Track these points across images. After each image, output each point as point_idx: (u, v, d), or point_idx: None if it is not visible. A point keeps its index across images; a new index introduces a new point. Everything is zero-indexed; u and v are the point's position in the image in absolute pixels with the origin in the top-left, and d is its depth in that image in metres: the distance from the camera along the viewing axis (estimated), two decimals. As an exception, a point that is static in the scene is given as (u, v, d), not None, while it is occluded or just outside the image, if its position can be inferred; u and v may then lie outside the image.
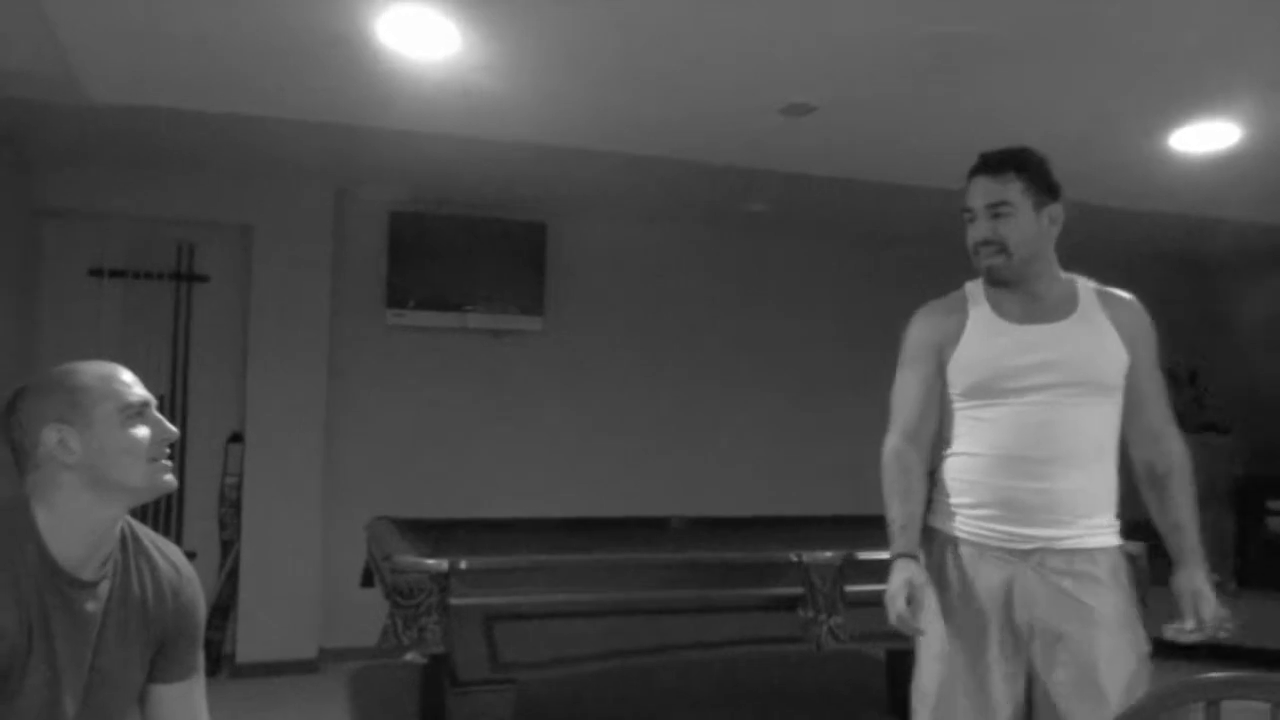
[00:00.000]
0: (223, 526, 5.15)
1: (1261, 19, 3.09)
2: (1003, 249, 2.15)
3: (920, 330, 2.31)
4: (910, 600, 2.06)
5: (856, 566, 3.17)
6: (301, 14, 3.11)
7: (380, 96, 3.77)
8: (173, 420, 1.62)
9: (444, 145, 4.45)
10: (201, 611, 1.80)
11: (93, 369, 1.65)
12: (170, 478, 1.68)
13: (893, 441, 2.27)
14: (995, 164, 2.18)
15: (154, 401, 1.70)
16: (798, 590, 3.11)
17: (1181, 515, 2.16)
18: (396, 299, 5.37)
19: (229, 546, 5.13)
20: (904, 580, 2.07)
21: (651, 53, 3.44)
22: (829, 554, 3.15)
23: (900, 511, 2.19)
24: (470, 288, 5.47)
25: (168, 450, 1.68)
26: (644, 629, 3.03)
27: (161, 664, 1.74)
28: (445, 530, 3.70)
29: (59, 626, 1.55)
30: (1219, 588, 2.14)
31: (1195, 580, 2.11)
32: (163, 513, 5.08)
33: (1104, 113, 3.81)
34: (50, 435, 1.58)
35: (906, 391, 2.29)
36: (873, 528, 4.50)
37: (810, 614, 3.10)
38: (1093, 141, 4.14)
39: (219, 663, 4.95)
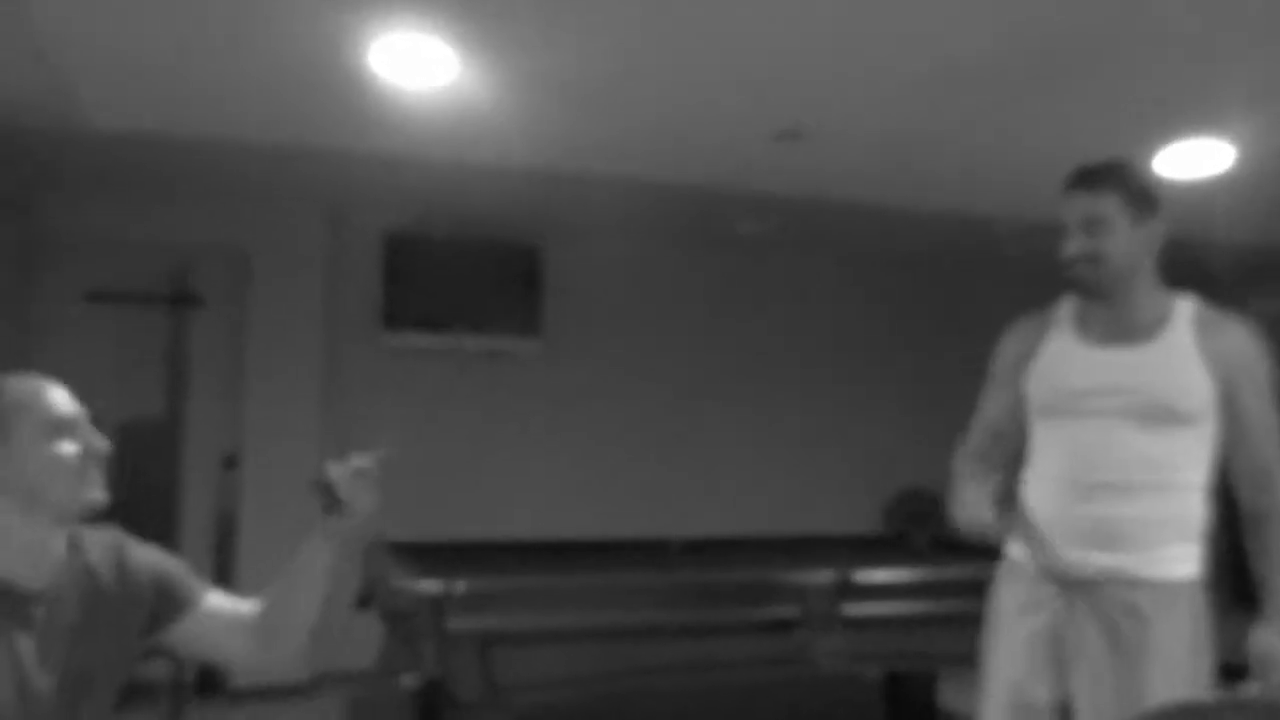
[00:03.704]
0: (218, 551, 5.13)
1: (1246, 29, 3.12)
2: (1096, 262, 2.04)
3: (1004, 348, 2.27)
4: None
5: (853, 588, 3.17)
6: (300, 41, 3.14)
7: (376, 122, 3.79)
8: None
9: (439, 169, 4.47)
10: (150, 555, 1.80)
11: (17, 385, 1.61)
12: (100, 493, 1.64)
13: (958, 462, 2.21)
14: (1090, 178, 2.07)
15: (84, 416, 1.65)
16: (794, 612, 3.10)
17: (1271, 568, 1.99)
18: (392, 321, 5.38)
19: (224, 571, 5.11)
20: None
21: (645, 79, 3.47)
22: (826, 574, 3.15)
23: (963, 511, 2.12)
24: (466, 310, 5.48)
25: (99, 465, 1.64)
26: (641, 652, 3.02)
27: (166, 611, 1.76)
28: (442, 553, 3.69)
29: (19, 643, 1.53)
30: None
31: (1268, 641, 1.95)
32: (156, 538, 5.05)
33: (1090, 135, 3.83)
34: None
35: (983, 411, 2.27)
36: (870, 548, 4.55)
37: (807, 636, 3.09)
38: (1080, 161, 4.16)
39: (213, 688, 4.91)
